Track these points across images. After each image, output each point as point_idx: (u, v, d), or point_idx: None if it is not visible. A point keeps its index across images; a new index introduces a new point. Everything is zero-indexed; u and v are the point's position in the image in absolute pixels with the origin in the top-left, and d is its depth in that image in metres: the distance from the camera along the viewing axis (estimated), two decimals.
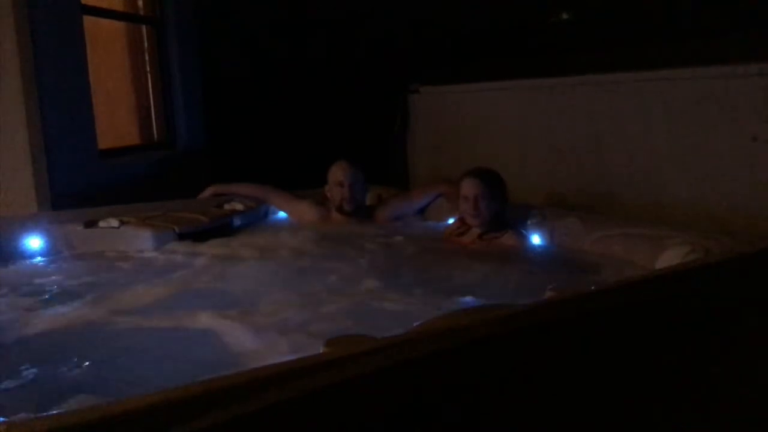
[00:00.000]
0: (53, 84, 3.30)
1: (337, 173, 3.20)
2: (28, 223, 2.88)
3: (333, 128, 4.61)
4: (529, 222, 2.84)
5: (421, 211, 3.34)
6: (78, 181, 3.43)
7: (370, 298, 2.14)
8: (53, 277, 2.51)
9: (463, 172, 2.86)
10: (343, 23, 4.89)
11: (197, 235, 2.93)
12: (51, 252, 2.80)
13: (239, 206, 3.30)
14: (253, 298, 2.14)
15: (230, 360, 1.70)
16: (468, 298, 2.04)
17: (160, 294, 2.27)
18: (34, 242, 2.80)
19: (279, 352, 1.69)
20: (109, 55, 4.20)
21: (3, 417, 1.04)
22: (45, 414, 0.98)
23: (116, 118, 4.22)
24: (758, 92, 2.56)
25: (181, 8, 4.51)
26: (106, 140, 3.88)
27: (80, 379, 1.60)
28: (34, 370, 1.64)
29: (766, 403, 1.82)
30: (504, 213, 2.83)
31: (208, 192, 3.43)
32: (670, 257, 2.18)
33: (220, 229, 3.03)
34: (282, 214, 3.44)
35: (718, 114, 2.70)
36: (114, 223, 2.92)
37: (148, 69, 4.45)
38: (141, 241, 2.86)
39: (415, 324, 1.38)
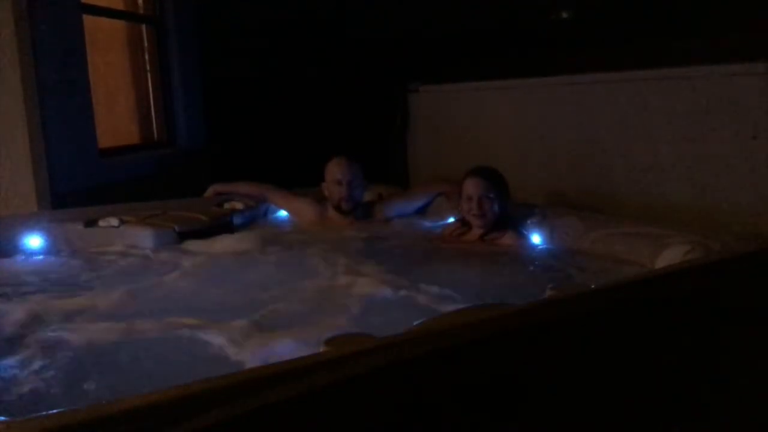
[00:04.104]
0: (53, 83, 3.30)
1: (335, 171, 3.12)
2: (28, 222, 2.88)
3: (333, 128, 4.61)
4: (529, 222, 2.83)
5: (421, 210, 3.33)
6: (78, 181, 3.43)
7: (369, 298, 2.14)
8: (53, 276, 2.51)
9: (465, 172, 2.84)
10: (343, 23, 4.89)
11: (197, 234, 2.93)
12: (51, 251, 2.81)
13: (239, 205, 3.30)
14: (252, 296, 2.14)
15: (229, 359, 1.71)
16: (468, 298, 2.04)
17: (159, 293, 2.27)
18: (34, 241, 2.81)
19: (277, 351, 1.69)
20: (109, 54, 4.20)
21: (3, 416, 1.04)
22: (45, 413, 0.98)
23: (116, 118, 4.22)
24: (758, 92, 2.56)
25: (181, 8, 4.52)
26: (106, 139, 3.89)
27: (80, 377, 1.60)
28: (33, 369, 1.64)
29: (766, 403, 1.82)
30: (506, 213, 2.83)
31: (210, 192, 3.43)
32: (670, 256, 2.17)
33: (221, 228, 3.03)
34: (282, 213, 3.44)
35: (718, 113, 2.70)
36: (114, 222, 2.92)
37: (148, 68, 4.46)
38: (141, 240, 2.86)
39: (414, 324, 1.38)
